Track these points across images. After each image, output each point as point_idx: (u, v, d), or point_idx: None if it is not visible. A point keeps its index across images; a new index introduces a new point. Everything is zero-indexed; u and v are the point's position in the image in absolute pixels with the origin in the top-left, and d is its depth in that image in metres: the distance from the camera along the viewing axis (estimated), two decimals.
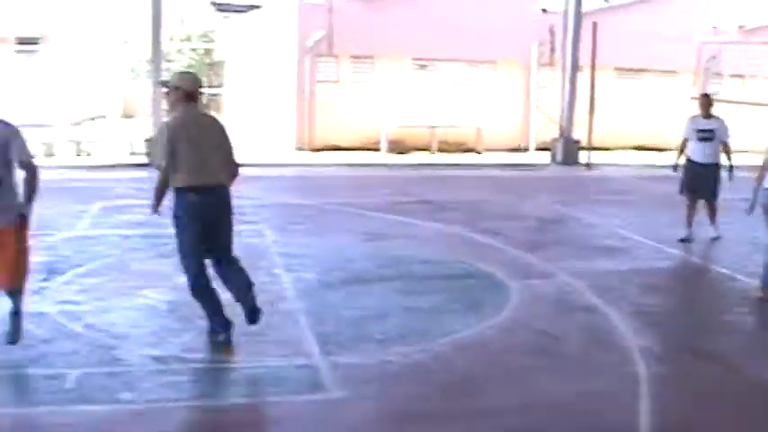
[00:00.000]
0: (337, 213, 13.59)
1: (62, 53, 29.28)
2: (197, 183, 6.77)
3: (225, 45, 30.73)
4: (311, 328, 7.28)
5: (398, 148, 23.56)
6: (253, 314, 6.90)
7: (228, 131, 7.11)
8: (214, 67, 31.71)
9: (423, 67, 24.96)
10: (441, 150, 23.81)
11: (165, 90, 7.37)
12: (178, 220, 6.81)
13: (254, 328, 6.88)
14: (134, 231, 11.40)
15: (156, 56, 19.80)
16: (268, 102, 25.69)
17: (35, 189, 6.29)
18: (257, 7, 31.42)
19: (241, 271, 7.04)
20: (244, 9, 31.58)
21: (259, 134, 26.20)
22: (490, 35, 24.12)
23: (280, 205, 14.41)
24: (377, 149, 23.40)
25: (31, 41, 30.85)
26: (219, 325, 6.79)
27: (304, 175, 19.37)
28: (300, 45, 23.53)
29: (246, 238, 11.09)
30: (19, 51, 31.15)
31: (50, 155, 20.39)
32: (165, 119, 7.48)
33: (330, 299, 8.31)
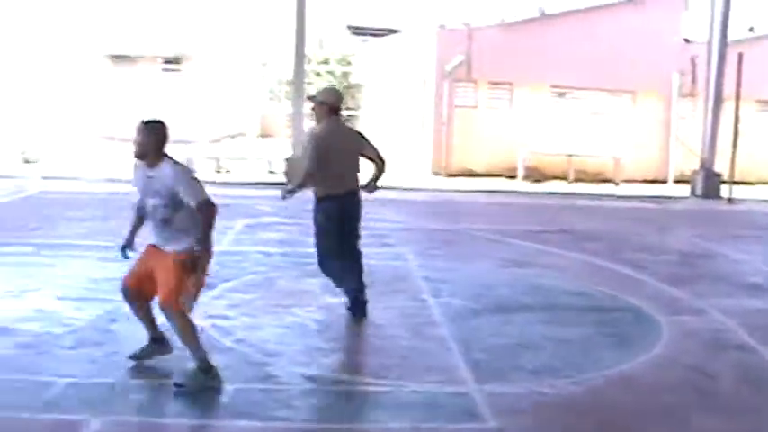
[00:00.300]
0: (477, 239, 13.51)
1: (204, 73, 30.11)
2: (341, 191, 7.81)
3: (362, 68, 31.04)
4: (462, 354, 7.19)
5: (535, 175, 23.34)
6: (364, 308, 8.04)
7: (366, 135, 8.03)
8: (351, 90, 32.08)
9: (561, 94, 24.67)
10: (577, 180, 23.46)
11: (311, 104, 8.15)
12: (320, 226, 7.89)
13: (404, 352, 6.89)
14: (277, 249, 11.56)
15: (299, 77, 20.14)
16: (404, 125, 25.79)
17: (206, 228, 6.12)
18: (395, 31, 31.71)
19: (361, 266, 8.14)
20: (381, 33, 31.92)
21: (394, 158, 26.28)
22: (630, 65, 23.77)
23: (419, 230, 14.41)
24: (513, 176, 23.21)
25: (176, 61, 31.88)
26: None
27: (441, 200, 19.33)
28: (439, 70, 23.57)
29: (389, 261, 11.19)
30: (164, 70, 32.22)
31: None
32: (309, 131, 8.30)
33: (478, 326, 8.22)
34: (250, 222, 13.73)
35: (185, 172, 6.25)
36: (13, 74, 29.45)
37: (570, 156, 23.57)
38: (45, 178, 19.88)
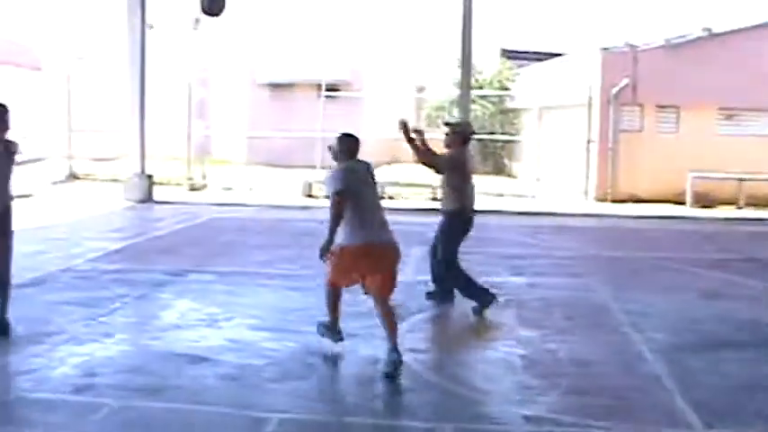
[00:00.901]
0: (662, 269, 12.92)
1: (361, 99, 30.20)
2: (470, 205, 9.55)
3: (519, 93, 30.65)
4: (682, 395, 6.74)
5: (703, 200, 22.44)
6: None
7: None
8: (508, 114, 31.70)
9: (729, 116, 23.70)
10: (748, 205, 22.44)
11: (446, 130, 9.61)
12: (451, 236, 9.45)
13: (620, 391, 6.66)
14: None
15: (465, 103, 20.00)
16: (566, 150, 25.28)
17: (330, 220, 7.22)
18: (552, 54, 31.23)
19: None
20: (538, 56, 31.49)
21: (556, 182, 25.89)
22: None
23: (600, 258, 13.89)
24: (680, 202, 22.38)
25: (333, 88, 32.14)
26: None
27: (612, 227, 18.74)
28: (604, 93, 23.01)
29: (578, 291, 10.81)
30: (321, 96, 32.52)
31: None
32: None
33: (691, 363, 7.74)
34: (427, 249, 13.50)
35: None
36: (173, 102, 30.15)
37: (741, 180, 22.58)
38: (215, 205, 20.24)
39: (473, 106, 29.32)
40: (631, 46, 23.45)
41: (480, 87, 32.03)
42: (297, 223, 17.15)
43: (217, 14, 16.12)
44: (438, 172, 9.53)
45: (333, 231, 7.19)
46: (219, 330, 8.45)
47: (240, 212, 19.08)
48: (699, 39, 23.54)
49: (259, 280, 11.00)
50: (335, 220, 7.16)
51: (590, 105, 23.09)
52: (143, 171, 20.69)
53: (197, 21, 57.62)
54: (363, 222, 7.24)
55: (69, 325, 8.47)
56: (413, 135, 9.18)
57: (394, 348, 7.04)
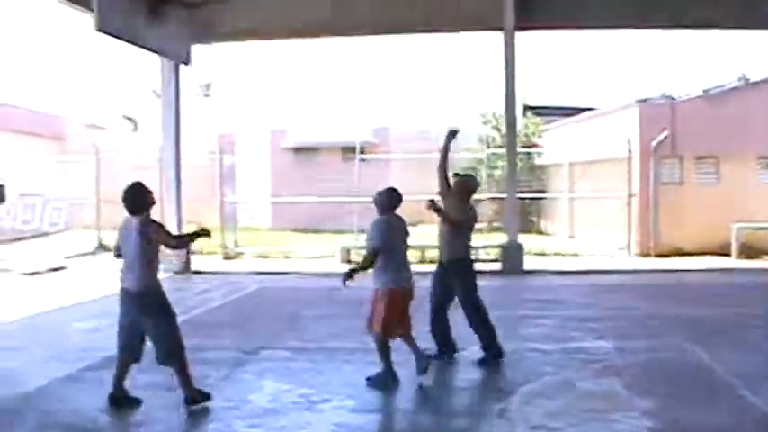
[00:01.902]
0: (745, 326, 12.43)
1: (387, 160, 29.86)
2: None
3: (549, 148, 30.37)
4: None
5: (748, 251, 22.03)
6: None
7: None
8: (536, 171, 31.40)
9: None
10: None
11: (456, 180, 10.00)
12: (474, 282, 9.91)
13: None
14: (550, 346, 10.85)
15: (512, 161, 19.75)
16: (601, 205, 24.90)
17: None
18: (581, 109, 31.03)
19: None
20: (566, 112, 31.28)
21: (592, 238, 25.53)
22: None
23: (672, 316, 13.33)
24: (725, 254, 21.96)
25: (355, 150, 31.94)
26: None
27: (668, 282, 18.21)
28: (642, 146, 22.74)
29: (671, 353, 10.39)
30: (344, 159, 32.34)
31: None
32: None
33: None
34: (498, 314, 13.05)
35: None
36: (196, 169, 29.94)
37: None
38: (255, 273, 19.83)
39: (500, 163, 29.18)
40: (669, 98, 23.24)
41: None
42: (348, 292, 16.65)
43: None
44: (460, 228, 9.74)
45: (363, 268, 8.71)
46: (321, 414, 8.01)
47: (284, 281, 18.69)
48: (736, 88, 23.30)
49: (339, 355, 10.56)
50: (368, 264, 8.67)
51: (629, 159, 22.76)
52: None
53: (207, 86, 58.00)
54: (400, 266, 8.77)
55: (158, 412, 8.06)
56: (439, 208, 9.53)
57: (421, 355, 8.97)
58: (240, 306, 15.25)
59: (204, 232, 8.31)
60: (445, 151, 10.12)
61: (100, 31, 8.40)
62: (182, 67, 19.33)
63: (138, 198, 7.95)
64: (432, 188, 30.08)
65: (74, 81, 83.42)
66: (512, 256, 19.36)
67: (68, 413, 8.14)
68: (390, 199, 8.80)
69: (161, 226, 8.10)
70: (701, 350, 10.49)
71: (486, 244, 22.10)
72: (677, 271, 19.71)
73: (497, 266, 19.69)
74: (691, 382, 9.05)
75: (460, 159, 32.17)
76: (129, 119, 59.45)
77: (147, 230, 7.87)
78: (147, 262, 7.96)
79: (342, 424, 7.65)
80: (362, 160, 26.45)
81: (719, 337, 11.59)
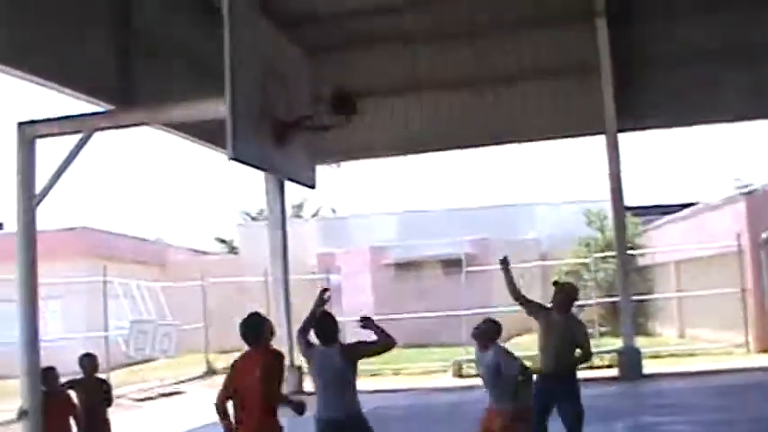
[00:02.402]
0: None
1: (487, 272, 29.60)
2: None
3: (653, 248, 29.89)
4: None
5: None
6: None
7: None
8: (641, 271, 30.81)
9: None
10: None
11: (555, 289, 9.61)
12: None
13: None
14: None
15: (625, 265, 19.52)
16: (712, 302, 24.25)
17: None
18: (679, 206, 30.61)
19: None
20: (665, 210, 30.86)
21: (704, 337, 24.90)
22: None
23: None
24: None
25: (455, 264, 31.96)
26: None
27: None
28: (752, 239, 22.23)
29: None
30: (445, 273, 32.37)
31: None
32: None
33: None
34: (627, 424, 12.68)
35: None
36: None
37: None
38: (369, 392, 19.58)
39: (603, 265, 28.79)
40: None
41: (609, 245, 31.39)
42: (468, 407, 16.39)
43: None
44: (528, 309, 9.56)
45: None
46: None
47: (399, 399, 18.45)
48: None
49: None
50: None
51: (740, 252, 22.26)
52: (292, 364, 20.32)
53: (300, 206, 58.75)
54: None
55: None
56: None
57: None
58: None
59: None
60: (508, 281, 9.60)
61: (234, 159, 8.61)
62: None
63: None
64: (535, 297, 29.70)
65: (170, 206, 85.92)
66: (629, 361, 18.88)
67: None
68: (497, 328, 8.61)
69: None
70: None
71: (599, 350, 21.67)
72: None
73: (613, 372, 19.23)
74: None
75: (565, 263, 31.99)
76: (222, 241, 60.61)
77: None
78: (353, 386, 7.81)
79: None
80: (454, 273, 26.34)
81: None
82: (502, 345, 8.61)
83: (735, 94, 18.90)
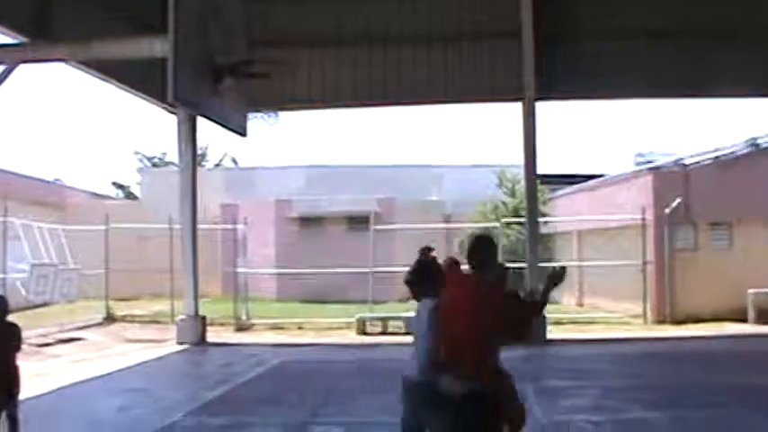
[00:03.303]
0: None
1: (391, 231, 29.68)
2: None
3: (554, 216, 30.37)
4: None
5: (764, 317, 21.98)
6: None
7: None
8: (543, 239, 31.25)
9: None
10: None
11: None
12: None
13: None
14: (605, 417, 10.63)
15: (534, 236, 19.80)
16: (613, 273, 24.78)
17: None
18: (590, 176, 31.13)
19: None
20: (572, 180, 31.34)
21: (603, 306, 25.47)
22: None
23: (716, 384, 13.14)
24: (742, 320, 21.88)
25: (361, 220, 31.91)
26: None
27: (699, 350, 17.81)
28: (656, 213, 22.79)
29: (734, 424, 10.22)
30: (350, 230, 32.33)
31: None
32: None
33: None
34: (537, 386, 12.88)
35: None
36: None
37: None
38: (273, 346, 19.55)
39: (507, 231, 29.13)
40: (682, 165, 23.39)
41: (515, 212, 31.75)
42: (376, 364, 16.55)
43: None
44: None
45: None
46: None
47: (306, 354, 18.41)
48: (746, 154, 23.46)
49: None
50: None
51: (644, 226, 22.77)
52: (197, 313, 20.12)
53: (203, 156, 57.92)
54: None
55: None
56: None
57: None
58: (270, 380, 14.98)
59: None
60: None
61: (175, 99, 8.35)
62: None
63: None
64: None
65: (67, 147, 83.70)
66: (534, 326, 19.14)
67: None
68: None
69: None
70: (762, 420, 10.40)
71: None
72: (701, 338, 19.63)
73: None
74: None
75: (468, 226, 32.23)
76: (119, 186, 59.49)
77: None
78: None
79: None
80: (358, 230, 26.35)
81: None
82: None
83: (649, 72, 19.32)
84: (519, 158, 20.75)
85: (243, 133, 11.25)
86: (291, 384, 14.36)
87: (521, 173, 33.46)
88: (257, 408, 12.12)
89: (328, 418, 11.28)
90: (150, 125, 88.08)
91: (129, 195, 55.53)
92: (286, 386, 14.15)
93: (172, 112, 19.82)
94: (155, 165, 60.26)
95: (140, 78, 17.88)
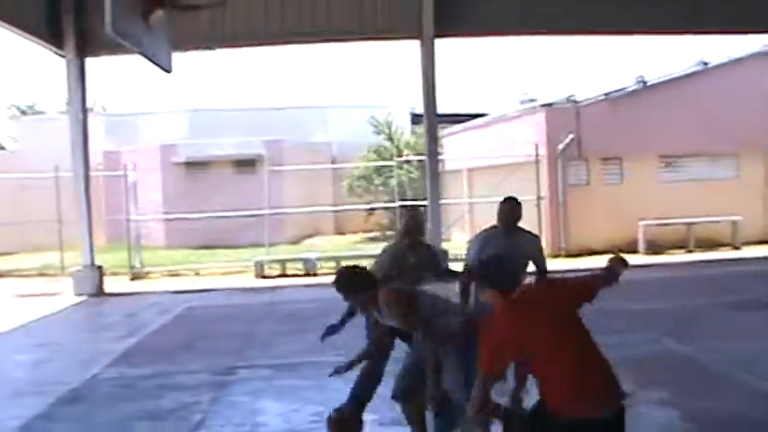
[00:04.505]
0: (704, 316, 12.85)
1: (279, 173, 29.32)
2: None
3: (448, 155, 30.50)
4: None
5: (654, 247, 22.69)
6: None
7: None
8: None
9: (668, 164, 24.12)
10: (698, 248, 22.86)
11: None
12: None
13: None
14: None
15: (434, 175, 19.84)
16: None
17: None
18: (471, 116, 31.35)
19: None
20: (457, 118, 31.46)
21: None
22: (732, 126, 23.42)
23: (620, 311, 13.30)
24: (633, 251, 22.48)
25: (248, 164, 31.51)
26: None
27: None
28: (549, 150, 23.08)
29: (650, 346, 10.62)
30: (237, 173, 31.88)
31: None
32: None
33: None
34: None
35: None
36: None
37: (689, 224, 22.99)
38: (173, 293, 19.13)
39: (398, 172, 29.13)
40: (573, 102, 23.70)
41: (399, 152, 31.81)
42: (284, 306, 16.41)
43: None
44: None
45: None
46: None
47: (209, 300, 18.05)
48: (635, 91, 23.92)
49: (326, 370, 10.15)
50: None
51: (537, 162, 23.04)
52: (93, 263, 19.50)
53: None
54: None
55: None
56: None
57: None
58: (180, 327, 14.63)
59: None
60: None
61: (113, 31, 7.88)
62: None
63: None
64: (318, 199, 29.72)
65: None
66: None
67: None
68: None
69: None
70: (675, 342, 10.79)
71: None
72: (594, 269, 19.98)
73: None
74: (693, 375, 9.19)
75: (355, 166, 32.22)
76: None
77: None
78: None
79: None
80: (246, 173, 25.94)
81: (688, 328, 11.84)
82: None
83: (547, 8, 19.35)
84: (392, 98, 20.61)
85: (168, 70, 10.78)
86: (203, 330, 14.06)
87: (392, 114, 33.87)
88: (176, 356, 11.83)
89: (252, 361, 11.10)
90: (17, 73, 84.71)
91: None
92: (198, 332, 13.85)
93: (59, 54, 18.92)
94: (23, 113, 58.08)
95: (16, 12, 16.79)
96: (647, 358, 9.98)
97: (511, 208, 7.59)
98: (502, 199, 7.72)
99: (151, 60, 10.28)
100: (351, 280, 6.26)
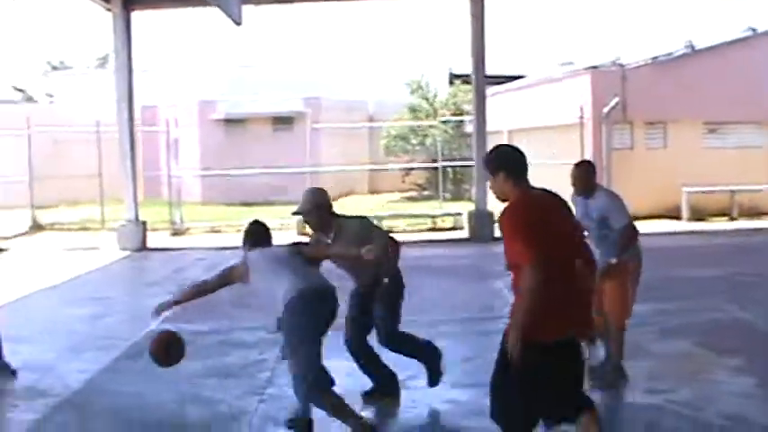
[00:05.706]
0: (757, 285, 12.63)
1: (316, 131, 29.23)
2: None
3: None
4: None
5: (697, 214, 22.49)
6: None
7: None
8: (467, 139, 31.19)
9: (713, 130, 23.85)
10: (741, 216, 22.65)
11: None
12: None
13: None
14: None
15: (481, 135, 19.58)
16: (547, 172, 24.84)
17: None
18: (511, 77, 31.02)
19: None
20: (497, 80, 31.13)
21: None
22: None
23: (676, 278, 13.24)
24: (675, 217, 22.33)
25: (286, 121, 31.46)
26: None
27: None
28: (595, 113, 22.82)
29: (714, 313, 10.53)
30: (275, 129, 31.84)
31: None
32: None
33: None
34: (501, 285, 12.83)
35: None
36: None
37: (733, 192, 22.75)
38: (216, 249, 19.10)
39: (433, 132, 28.99)
40: (618, 64, 23.44)
41: (435, 112, 31.64)
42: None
43: None
44: None
45: None
46: (420, 391, 7.61)
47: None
48: (683, 55, 23.62)
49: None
50: None
51: (582, 125, 22.82)
52: (137, 218, 19.55)
53: (104, 58, 55.94)
54: None
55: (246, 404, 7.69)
56: None
57: None
58: None
59: None
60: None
61: None
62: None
63: None
64: (354, 158, 29.69)
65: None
66: (481, 224, 19.24)
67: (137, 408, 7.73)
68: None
69: None
70: (738, 309, 10.71)
71: (444, 212, 22.15)
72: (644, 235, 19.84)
73: (464, 234, 19.72)
74: (756, 340, 9.16)
75: (391, 125, 32.09)
76: (19, 90, 57.39)
77: None
78: None
79: (453, 400, 7.40)
80: (283, 130, 25.87)
81: (746, 295, 11.71)
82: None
83: None
84: (430, 58, 20.41)
85: (239, 22, 10.70)
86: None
87: (427, 74, 33.58)
88: (230, 312, 11.76)
89: None
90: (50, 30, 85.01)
91: (30, 99, 53.73)
92: (248, 289, 13.77)
93: (106, 8, 18.89)
94: (55, 69, 58.37)
95: None
96: (713, 326, 9.91)
97: (584, 171, 7.87)
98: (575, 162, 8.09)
99: (223, 11, 10.19)
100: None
